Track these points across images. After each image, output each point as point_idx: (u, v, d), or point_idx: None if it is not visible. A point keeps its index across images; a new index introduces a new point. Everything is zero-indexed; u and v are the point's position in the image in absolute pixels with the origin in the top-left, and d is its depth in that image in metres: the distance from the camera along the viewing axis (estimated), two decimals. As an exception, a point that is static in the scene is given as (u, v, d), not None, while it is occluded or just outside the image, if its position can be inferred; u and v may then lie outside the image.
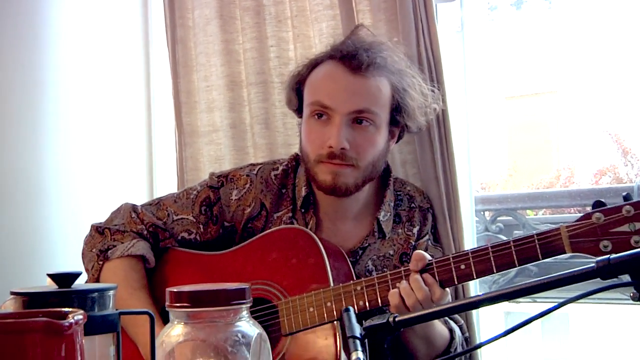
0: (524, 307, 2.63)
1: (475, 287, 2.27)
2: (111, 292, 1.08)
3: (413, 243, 1.85)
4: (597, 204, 1.42)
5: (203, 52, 2.38)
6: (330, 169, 1.72)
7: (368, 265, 1.82)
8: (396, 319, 1.16)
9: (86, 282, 1.81)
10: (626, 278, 1.05)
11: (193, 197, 1.88)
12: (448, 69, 2.29)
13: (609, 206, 1.41)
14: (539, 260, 1.46)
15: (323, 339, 1.63)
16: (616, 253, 1.36)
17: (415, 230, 1.86)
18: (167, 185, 2.54)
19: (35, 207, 2.31)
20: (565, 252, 1.44)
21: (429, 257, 1.56)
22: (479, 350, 2.00)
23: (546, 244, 1.45)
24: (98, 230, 1.85)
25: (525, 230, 2.37)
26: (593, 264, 1.07)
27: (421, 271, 1.55)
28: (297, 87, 1.83)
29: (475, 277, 1.52)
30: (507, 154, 10.56)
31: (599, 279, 1.08)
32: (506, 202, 2.43)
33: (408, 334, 1.65)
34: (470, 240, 2.32)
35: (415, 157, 2.05)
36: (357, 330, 1.12)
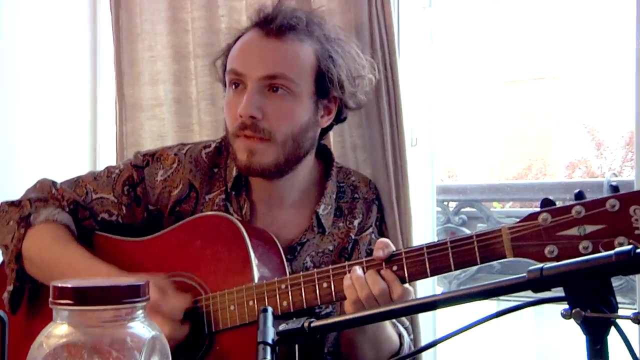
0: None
1: (433, 282, 2.12)
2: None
3: (353, 237, 1.69)
4: (545, 203, 1.25)
5: (148, 19, 2.21)
6: (244, 145, 1.56)
7: (306, 262, 1.66)
8: (311, 324, 1.04)
9: (4, 259, 1.67)
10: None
11: (115, 176, 1.72)
12: (413, 47, 2.13)
13: (557, 205, 1.23)
14: (477, 265, 1.29)
15: (248, 342, 1.46)
16: (563, 259, 1.21)
17: (356, 222, 1.70)
18: (110, 162, 2.38)
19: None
20: (505, 257, 1.28)
21: (393, 246, 1.41)
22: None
23: (485, 246, 1.29)
24: (14, 203, 1.69)
25: (490, 224, 2.21)
26: (525, 274, 0.93)
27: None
28: (223, 62, 1.69)
29: (407, 280, 1.38)
30: (503, 140, 10.40)
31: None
32: (469, 193, 2.26)
33: (358, 337, 1.51)
34: (430, 232, 2.17)
35: (365, 141, 1.87)
36: (270, 336, 1.02)
